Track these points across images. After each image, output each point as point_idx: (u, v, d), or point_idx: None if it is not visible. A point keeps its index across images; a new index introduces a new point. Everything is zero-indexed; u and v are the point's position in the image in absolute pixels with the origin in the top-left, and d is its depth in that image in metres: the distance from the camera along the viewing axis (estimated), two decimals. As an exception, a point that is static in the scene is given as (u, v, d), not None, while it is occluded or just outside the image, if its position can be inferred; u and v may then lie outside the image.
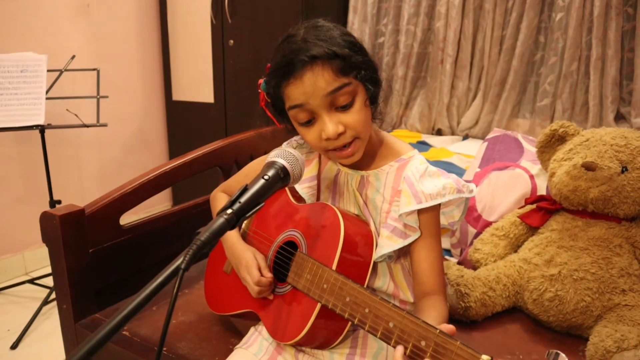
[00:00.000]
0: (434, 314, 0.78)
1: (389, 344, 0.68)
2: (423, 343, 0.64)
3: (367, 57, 0.84)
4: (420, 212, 0.85)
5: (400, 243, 0.85)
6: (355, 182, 0.92)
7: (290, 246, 0.93)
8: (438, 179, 0.86)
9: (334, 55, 0.78)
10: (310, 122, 0.83)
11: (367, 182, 0.91)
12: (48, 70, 1.97)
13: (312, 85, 0.78)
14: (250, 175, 1.06)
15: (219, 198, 1.09)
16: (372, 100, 0.86)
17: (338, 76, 0.79)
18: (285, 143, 1.02)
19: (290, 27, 0.85)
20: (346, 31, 0.84)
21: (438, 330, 0.63)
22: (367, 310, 0.71)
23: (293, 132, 0.90)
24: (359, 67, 0.81)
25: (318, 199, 0.99)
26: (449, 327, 0.64)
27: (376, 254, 0.86)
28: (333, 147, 0.83)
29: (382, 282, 0.90)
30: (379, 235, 0.88)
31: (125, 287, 1.28)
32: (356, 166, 0.92)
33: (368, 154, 0.91)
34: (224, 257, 1.06)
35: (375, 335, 0.69)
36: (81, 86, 2.39)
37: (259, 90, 0.89)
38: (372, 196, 0.90)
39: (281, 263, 0.93)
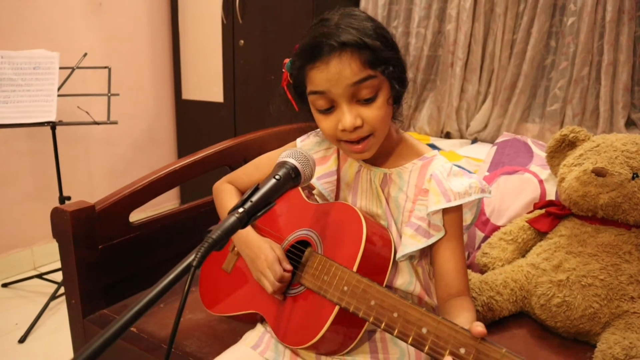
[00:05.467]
0: (464, 313, 0.75)
1: (422, 350, 0.64)
2: (462, 350, 0.59)
3: (397, 55, 0.82)
4: (445, 211, 0.84)
5: (423, 242, 0.83)
6: (378, 180, 0.90)
7: (302, 246, 0.91)
8: (463, 178, 0.85)
9: (365, 45, 0.76)
10: (328, 110, 0.81)
11: (390, 180, 0.89)
12: (60, 68, 1.99)
13: (337, 73, 0.76)
14: (262, 167, 1.04)
15: (225, 189, 1.07)
16: (396, 100, 0.84)
17: (365, 67, 0.77)
18: (299, 139, 1.00)
19: (326, 12, 0.83)
20: (381, 25, 0.82)
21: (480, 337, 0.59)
22: (395, 315, 0.68)
23: (311, 118, 0.88)
24: (387, 62, 0.79)
25: (337, 195, 0.96)
26: (479, 331, 0.58)
27: (399, 253, 0.85)
28: (346, 138, 0.82)
29: (409, 282, 0.88)
30: (402, 234, 0.86)
31: (133, 283, 1.29)
32: (377, 163, 0.90)
33: (387, 152, 0.90)
34: (221, 255, 1.03)
35: (406, 342, 0.66)
36: (92, 84, 2.41)
37: (283, 70, 0.87)
38: (394, 194, 0.89)
39: (293, 263, 0.90)
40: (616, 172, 1.11)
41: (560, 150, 1.30)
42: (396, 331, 0.67)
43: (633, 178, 1.11)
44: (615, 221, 1.14)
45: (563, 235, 1.19)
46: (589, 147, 1.20)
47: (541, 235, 1.26)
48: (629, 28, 1.83)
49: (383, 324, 0.69)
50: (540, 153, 1.48)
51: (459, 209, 0.86)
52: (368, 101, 0.79)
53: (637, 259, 1.10)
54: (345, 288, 0.76)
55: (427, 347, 0.63)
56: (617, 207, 1.11)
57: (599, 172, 1.12)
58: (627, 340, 0.97)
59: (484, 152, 1.76)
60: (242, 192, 1.07)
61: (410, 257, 0.86)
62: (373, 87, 0.78)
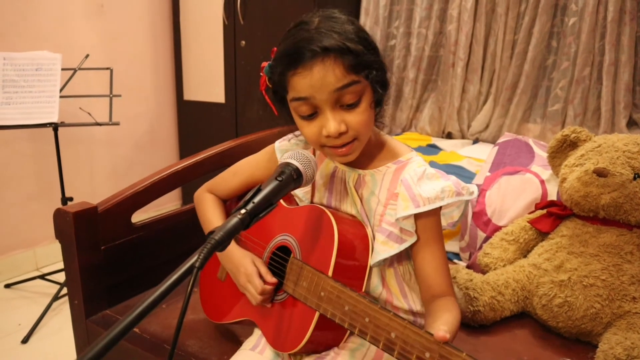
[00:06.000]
0: (445, 314, 0.75)
1: (392, 355, 0.65)
2: (427, 355, 0.61)
3: (378, 58, 0.81)
4: (418, 215, 0.83)
5: (396, 248, 0.83)
6: (352, 181, 0.89)
7: (283, 251, 0.91)
8: (437, 182, 0.83)
9: (347, 50, 0.74)
10: (311, 116, 0.79)
11: (363, 181, 0.88)
12: (62, 69, 1.99)
13: (321, 79, 0.74)
14: (240, 173, 1.04)
15: (206, 199, 1.05)
16: (377, 103, 0.83)
17: (348, 73, 0.75)
18: (278, 141, 0.99)
19: (304, 14, 0.81)
20: (361, 27, 0.81)
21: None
22: (367, 320, 0.68)
23: (291, 122, 0.86)
24: (370, 67, 0.77)
25: (312, 196, 0.96)
26: (441, 336, 0.60)
27: (372, 260, 0.84)
28: (331, 144, 0.80)
29: (375, 285, 0.88)
30: (374, 239, 0.86)
31: (136, 284, 1.29)
32: (354, 164, 0.89)
33: (366, 154, 0.88)
34: (216, 262, 1.03)
35: (378, 346, 0.67)
36: (94, 85, 2.41)
37: (261, 74, 0.86)
38: (367, 197, 0.88)
39: (275, 270, 0.91)
40: (617, 172, 1.11)
41: (561, 151, 1.30)
42: (368, 336, 0.68)
43: (634, 178, 1.11)
44: (616, 221, 1.14)
45: (564, 235, 1.19)
46: (591, 147, 1.20)
47: (542, 235, 1.26)
48: (631, 28, 1.84)
49: (357, 329, 0.70)
50: (541, 153, 1.49)
51: (433, 212, 0.84)
52: (351, 106, 0.78)
53: (638, 259, 1.10)
54: (322, 294, 0.76)
55: (396, 352, 0.64)
56: (618, 208, 1.12)
57: (600, 173, 1.12)
58: (629, 340, 0.97)
59: (485, 152, 1.76)
60: (222, 200, 1.07)
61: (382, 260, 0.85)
62: (356, 92, 0.77)
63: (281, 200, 0.96)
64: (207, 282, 1.09)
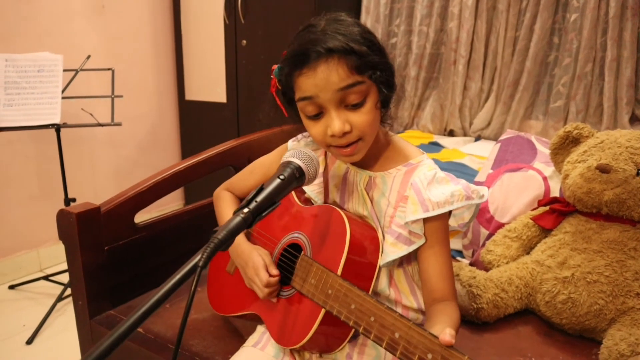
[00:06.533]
0: (444, 319, 0.76)
1: (394, 355, 0.66)
2: (430, 356, 0.62)
3: (384, 59, 0.82)
4: (426, 220, 0.84)
5: (404, 250, 0.84)
6: (363, 182, 0.90)
7: (294, 249, 0.92)
8: (447, 186, 0.84)
9: (351, 51, 0.76)
10: (317, 116, 0.81)
11: (374, 183, 0.89)
12: (64, 70, 2.00)
13: (324, 78, 0.76)
14: (256, 172, 1.06)
15: (223, 197, 1.08)
16: (384, 104, 0.85)
17: (352, 73, 0.77)
18: (291, 140, 1.01)
19: (312, 17, 0.83)
20: (367, 29, 0.82)
21: None
22: (372, 319, 0.70)
23: (300, 123, 0.88)
24: (375, 67, 0.79)
25: (326, 197, 0.97)
26: (447, 340, 0.61)
27: (381, 261, 0.85)
28: (336, 144, 0.82)
29: (383, 287, 0.88)
30: (383, 241, 0.87)
31: (139, 284, 1.30)
32: (364, 166, 0.90)
33: (374, 155, 0.89)
34: (226, 256, 1.05)
35: (381, 345, 0.68)
36: (96, 86, 2.42)
37: (272, 76, 0.88)
38: (377, 199, 0.89)
39: (285, 266, 0.92)
40: (620, 168, 1.11)
41: (564, 147, 1.29)
42: (372, 335, 0.69)
43: (637, 174, 1.11)
44: (619, 217, 1.14)
45: (568, 232, 1.18)
46: (593, 143, 1.20)
47: (545, 232, 1.26)
48: (632, 24, 1.83)
49: (361, 328, 0.71)
50: (544, 150, 1.48)
51: (442, 216, 0.85)
52: (356, 106, 0.79)
53: (642, 255, 1.10)
54: (330, 291, 0.78)
55: (399, 352, 0.65)
56: (621, 204, 1.11)
57: (603, 169, 1.11)
58: (633, 336, 0.97)
59: (487, 149, 1.76)
60: (238, 199, 1.09)
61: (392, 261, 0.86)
62: (361, 93, 0.79)
63: (296, 199, 0.98)
64: (215, 275, 1.10)
